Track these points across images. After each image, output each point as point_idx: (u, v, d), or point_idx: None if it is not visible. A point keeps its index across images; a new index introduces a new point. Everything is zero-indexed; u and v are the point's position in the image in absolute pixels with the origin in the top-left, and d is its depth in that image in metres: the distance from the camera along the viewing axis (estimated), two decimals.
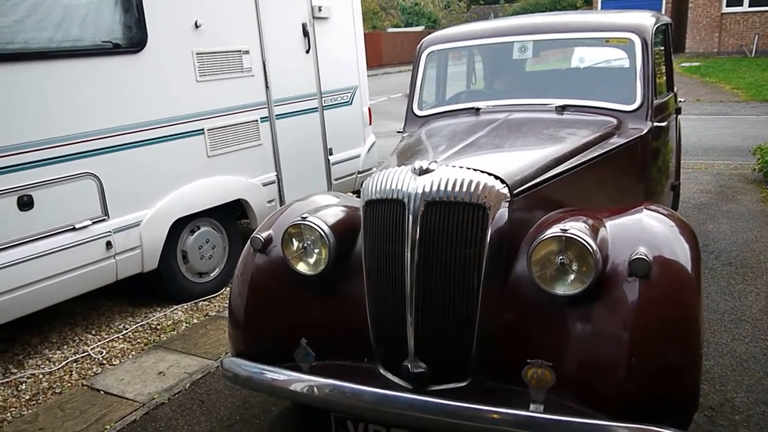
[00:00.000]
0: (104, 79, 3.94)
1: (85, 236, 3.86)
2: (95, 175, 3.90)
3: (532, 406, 2.07)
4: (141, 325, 4.32)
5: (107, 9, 3.93)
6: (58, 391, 3.56)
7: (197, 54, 4.43)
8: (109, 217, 3.99)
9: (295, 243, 2.59)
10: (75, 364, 3.85)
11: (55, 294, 3.80)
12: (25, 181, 3.59)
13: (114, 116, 3.99)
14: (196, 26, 4.40)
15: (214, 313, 4.47)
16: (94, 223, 3.91)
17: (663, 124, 3.76)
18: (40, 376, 3.72)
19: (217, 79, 4.60)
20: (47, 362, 3.88)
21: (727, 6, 21.11)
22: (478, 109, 3.74)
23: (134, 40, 4.08)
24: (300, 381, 2.39)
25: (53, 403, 3.42)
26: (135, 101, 4.10)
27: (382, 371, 2.44)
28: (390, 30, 34.70)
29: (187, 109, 4.41)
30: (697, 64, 19.37)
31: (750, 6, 20.78)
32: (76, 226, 3.82)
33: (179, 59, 4.34)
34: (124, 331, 4.24)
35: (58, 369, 3.79)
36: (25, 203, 3.59)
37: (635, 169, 3.50)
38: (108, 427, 3.16)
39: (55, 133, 3.71)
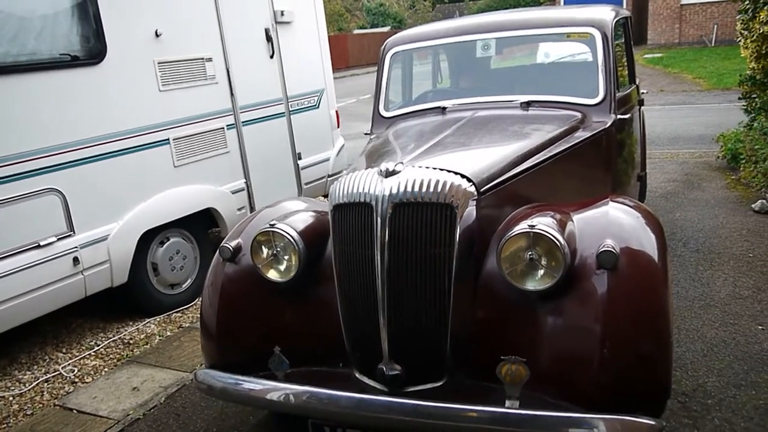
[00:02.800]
0: (64, 93, 3.86)
1: (51, 253, 3.78)
2: (58, 191, 3.83)
3: (507, 403, 2.08)
4: (113, 341, 4.25)
5: (64, 21, 3.86)
6: (29, 412, 3.48)
7: (159, 63, 4.37)
8: (74, 232, 3.92)
9: (265, 250, 2.57)
10: (46, 383, 3.77)
11: (23, 313, 3.71)
12: None
13: (76, 130, 3.92)
14: (157, 35, 4.34)
15: (187, 325, 4.42)
16: (59, 239, 3.83)
17: (626, 116, 3.80)
18: (10, 398, 3.63)
19: (180, 88, 4.54)
20: (17, 384, 3.79)
21: None
22: (444, 108, 3.75)
23: (93, 51, 4.01)
24: (276, 389, 2.37)
25: (24, 426, 3.34)
26: (97, 113, 4.03)
27: (357, 375, 2.43)
28: (356, 31, 34.68)
29: (151, 120, 4.35)
30: (659, 55, 19.70)
31: None
32: (41, 244, 3.74)
33: (140, 69, 4.28)
34: (96, 348, 4.17)
35: (29, 390, 3.70)
36: None
37: (601, 161, 3.54)
38: None
39: (15, 150, 3.62)
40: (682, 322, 3.71)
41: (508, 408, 2.06)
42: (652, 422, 1.97)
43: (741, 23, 6.70)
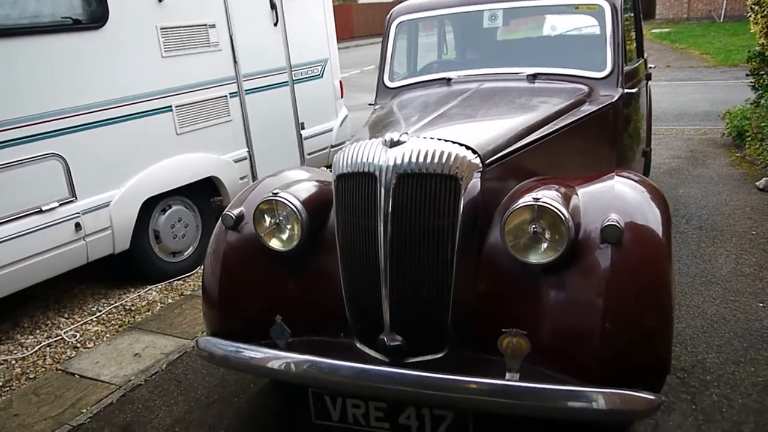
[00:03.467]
0: (66, 57, 3.82)
1: (53, 218, 3.78)
2: (61, 156, 3.81)
3: (507, 375, 2.08)
4: (115, 307, 4.27)
5: None
6: (31, 376, 3.51)
7: (161, 29, 4.32)
8: (77, 198, 3.91)
9: (267, 219, 2.55)
10: (48, 348, 3.80)
11: (25, 278, 3.73)
12: None
13: (78, 95, 3.89)
14: (159, 0, 4.28)
15: (189, 292, 4.43)
16: (61, 204, 3.83)
17: (633, 90, 3.76)
18: (13, 362, 3.66)
19: (183, 55, 4.49)
20: (20, 347, 3.82)
21: None
22: (449, 80, 3.71)
23: (95, 15, 3.96)
24: (276, 358, 2.37)
25: (27, 389, 3.38)
26: (99, 79, 4.00)
27: (358, 345, 2.43)
28: (360, 1, 34.26)
29: (154, 86, 4.31)
30: (667, 30, 19.48)
31: None
32: (43, 209, 3.74)
33: (143, 35, 4.23)
34: (98, 314, 4.19)
35: (31, 354, 3.73)
36: None
37: (607, 135, 3.51)
38: (84, 410, 3.12)
39: (17, 114, 3.60)
40: (683, 298, 3.71)
41: (508, 380, 2.06)
42: (651, 397, 1.98)
43: None
